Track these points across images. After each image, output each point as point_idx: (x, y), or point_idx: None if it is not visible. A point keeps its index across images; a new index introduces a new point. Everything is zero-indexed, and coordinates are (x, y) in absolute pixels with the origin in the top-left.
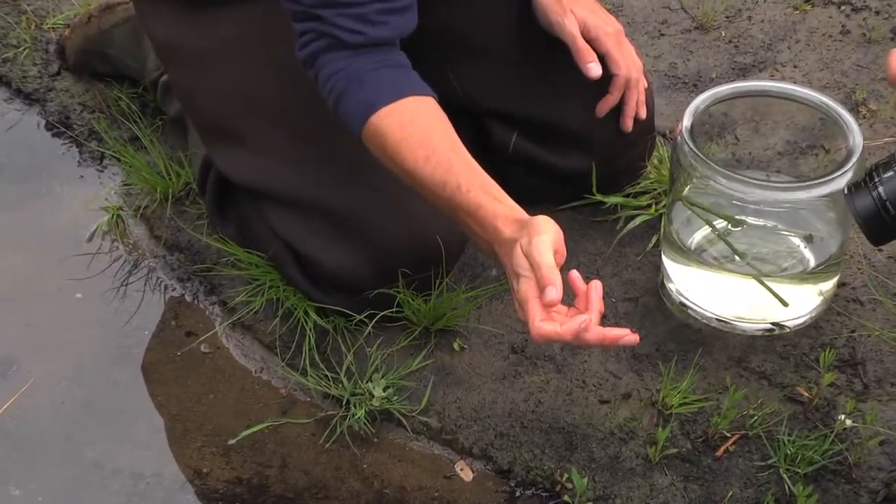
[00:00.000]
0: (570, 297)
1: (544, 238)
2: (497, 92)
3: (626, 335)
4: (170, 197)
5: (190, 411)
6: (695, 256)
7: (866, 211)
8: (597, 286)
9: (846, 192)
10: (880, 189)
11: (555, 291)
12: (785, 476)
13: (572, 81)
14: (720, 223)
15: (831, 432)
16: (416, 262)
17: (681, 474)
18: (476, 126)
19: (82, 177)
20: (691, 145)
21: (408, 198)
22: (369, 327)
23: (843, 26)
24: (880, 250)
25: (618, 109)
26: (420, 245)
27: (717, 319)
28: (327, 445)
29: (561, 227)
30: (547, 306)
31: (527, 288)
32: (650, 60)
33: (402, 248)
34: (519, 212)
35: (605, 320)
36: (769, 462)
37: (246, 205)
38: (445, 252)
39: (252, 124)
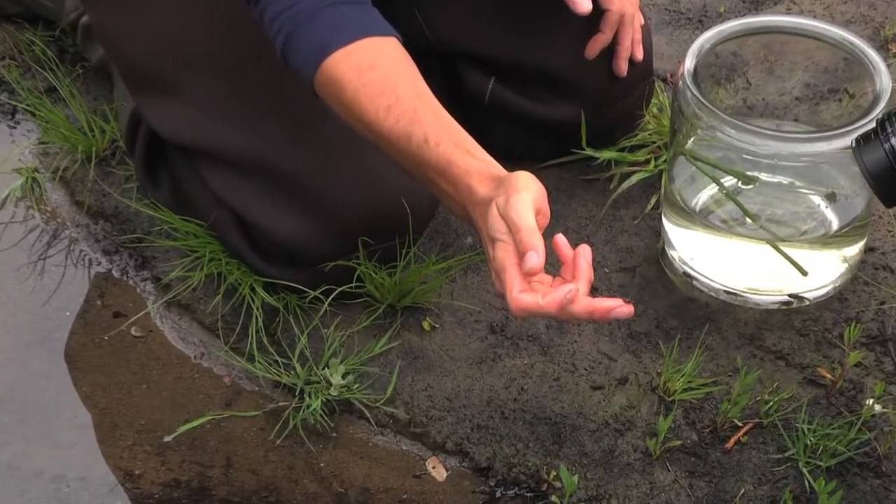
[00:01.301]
0: (555, 265)
1: (524, 196)
2: (471, 32)
3: (619, 306)
4: (93, 157)
5: (119, 404)
6: (700, 219)
7: (877, 166)
8: (585, 252)
9: (854, 145)
10: (893, 141)
11: (536, 257)
12: (804, 470)
13: (558, 18)
14: (729, 181)
15: (858, 419)
16: (378, 230)
17: (685, 470)
18: (447, 72)
19: None
20: (695, 91)
21: (368, 156)
22: (325, 305)
23: None
24: None
25: (610, 50)
26: (382, 209)
27: (726, 291)
28: (278, 441)
29: (545, 185)
30: (527, 275)
31: (504, 254)
32: None
33: (362, 214)
34: (495, 167)
35: (596, 293)
36: (786, 454)
37: (181, 165)
38: (412, 217)
39: (187, 73)
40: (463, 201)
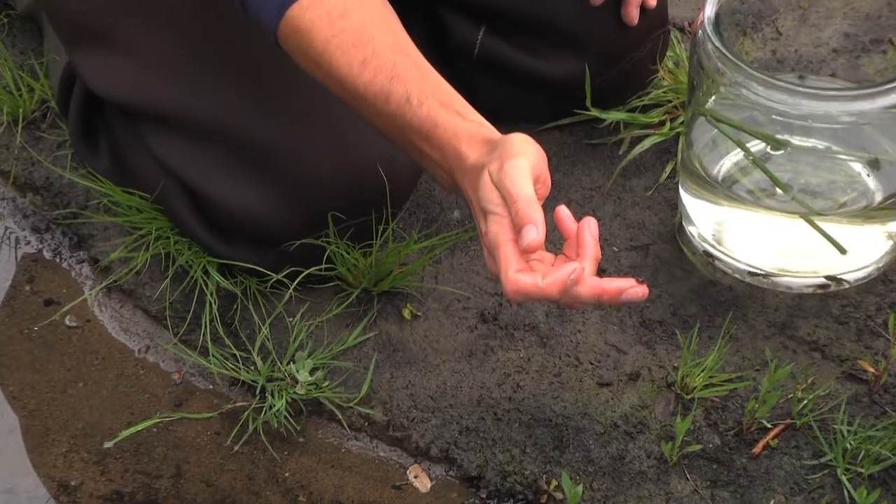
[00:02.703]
0: (557, 244)
1: (521, 162)
2: None
3: (631, 287)
4: (20, 120)
5: (52, 405)
6: (723, 190)
7: None
8: (591, 225)
9: None
10: None
11: (535, 232)
12: (844, 478)
13: None
14: (756, 145)
15: None
16: (351, 203)
17: (706, 478)
18: (430, 22)
19: None
20: (717, 42)
21: (340, 118)
22: (290, 290)
23: None
24: None
25: None
26: (356, 179)
27: (752, 273)
28: (236, 448)
29: (545, 150)
30: (525, 252)
31: (498, 229)
32: None
33: (333, 185)
34: (488, 129)
35: (604, 274)
36: (823, 460)
37: (122, 129)
38: (390, 188)
39: (130, 22)
40: (450, 169)
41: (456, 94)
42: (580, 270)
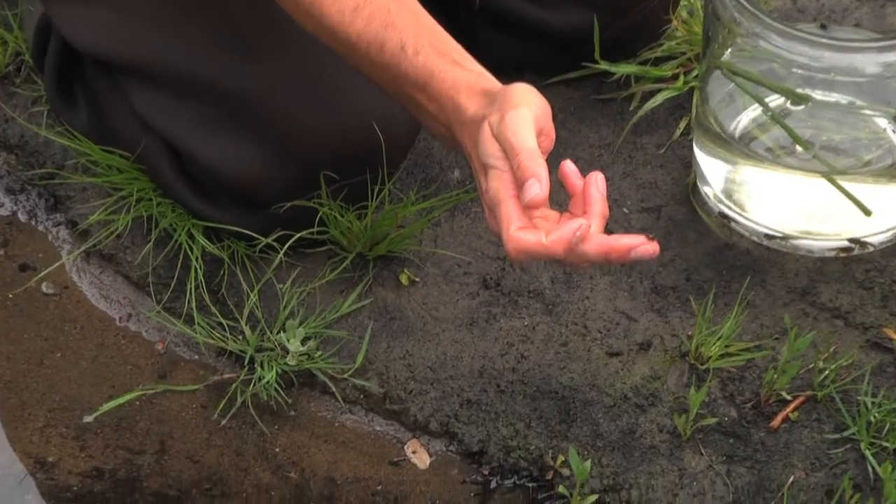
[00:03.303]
0: (562, 203)
1: (523, 113)
2: None
3: (642, 244)
4: None
5: (28, 377)
6: (740, 148)
7: None
8: (598, 180)
9: None
10: None
11: (537, 186)
12: (867, 453)
13: None
14: (775, 100)
15: None
16: (344, 162)
17: (722, 453)
18: None
19: None
20: None
21: (332, 72)
22: (280, 255)
23: None
24: None
25: None
26: (349, 137)
27: (771, 236)
28: (224, 422)
29: (550, 104)
30: (527, 208)
31: (499, 184)
32: None
33: (325, 142)
34: (488, 80)
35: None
36: (845, 434)
37: (102, 84)
38: (386, 146)
39: None
40: (448, 122)
41: (454, 42)
42: (586, 227)
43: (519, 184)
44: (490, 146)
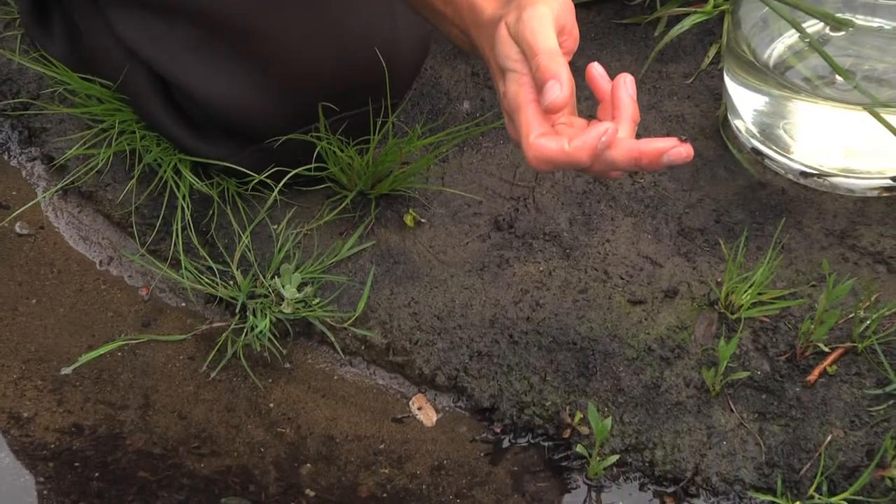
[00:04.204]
0: (587, 107)
1: (541, 10)
2: None
3: (674, 146)
4: None
5: (0, 326)
6: (775, 77)
7: None
8: (628, 82)
9: None
10: None
11: (558, 88)
12: None
13: None
14: (813, 25)
15: None
16: (344, 92)
17: (754, 410)
18: None
19: None
20: None
21: None
22: (275, 193)
23: None
24: None
25: None
26: (349, 64)
27: (808, 174)
28: (213, 374)
29: None
30: (548, 112)
31: (518, 88)
32: None
33: (323, 70)
34: None
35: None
36: (888, 389)
37: (81, 6)
38: (390, 75)
39: None
40: (465, 26)
41: None
42: (613, 131)
43: (539, 86)
44: (508, 48)
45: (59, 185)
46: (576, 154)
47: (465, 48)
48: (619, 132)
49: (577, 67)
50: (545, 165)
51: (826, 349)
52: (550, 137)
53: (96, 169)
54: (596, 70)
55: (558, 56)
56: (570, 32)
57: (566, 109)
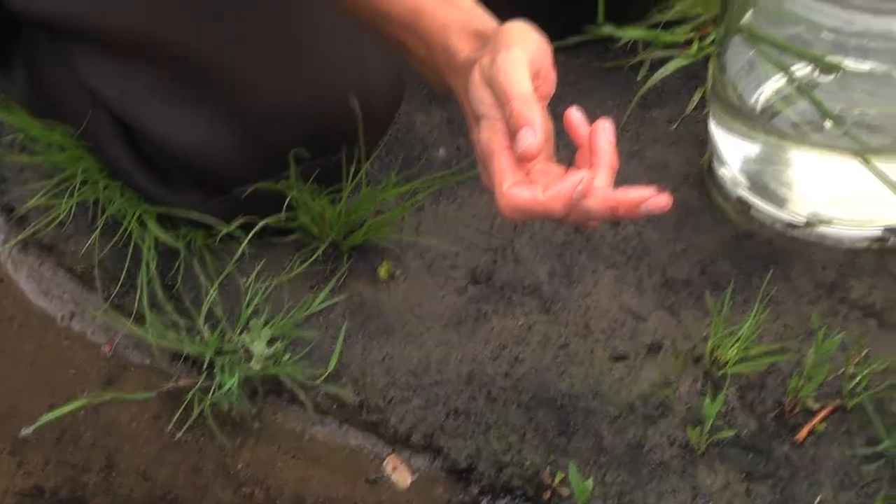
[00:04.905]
0: (566, 155)
1: (515, 54)
2: None
3: (652, 196)
4: None
5: None
6: (762, 123)
7: None
8: (606, 127)
9: None
10: None
11: (532, 135)
12: None
13: None
14: (802, 69)
15: None
16: (316, 138)
17: (741, 470)
18: None
19: None
20: None
21: (303, 36)
22: (243, 245)
23: None
24: None
25: None
26: (322, 109)
27: (796, 224)
28: (179, 434)
29: None
30: (522, 160)
31: (491, 135)
32: None
33: (294, 115)
34: (482, 18)
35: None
36: (879, 448)
37: (43, 49)
38: (364, 120)
39: None
40: (440, 68)
41: None
42: (589, 180)
43: (512, 133)
44: (481, 92)
45: (19, 238)
46: (550, 204)
47: (442, 92)
48: (596, 181)
49: (557, 113)
50: (518, 215)
51: (815, 406)
52: (524, 186)
53: (58, 220)
54: (574, 115)
55: (532, 101)
56: (546, 76)
57: (542, 156)
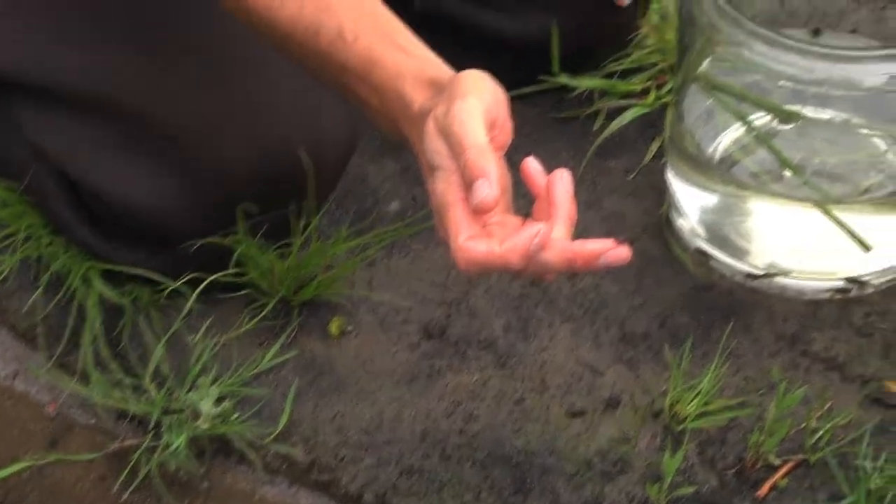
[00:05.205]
0: (525, 205)
1: (470, 103)
2: None
3: (610, 248)
4: None
5: None
6: (720, 173)
7: None
8: (564, 177)
9: None
10: None
11: (487, 186)
12: None
13: None
14: (761, 118)
15: None
16: (264, 193)
17: None
18: None
19: None
20: None
21: (251, 85)
22: (191, 301)
23: None
24: None
25: None
26: (270, 163)
27: (756, 275)
28: (126, 496)
29: None
30: (477, 213)
31: (446, 186)
32: None
33: (242, 170)
34: (437, 67)
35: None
36: (843, 503)
37: None
38: (316, 172)
39: None
40: (394, 118)
41: (400, 25)
42: (546, 232)
43: (467, 184)
44: (435, 142)
45: None
46: (507, 257)
47: (397, 142)
48: (554, 232)
49: (514, 163)
50: (475, 269)
51: (777, 462)
52: (480, 239)
53: (1, 277)
54: (531, 166)
55: (488, 152)
56: (503, 126)
57: (499, 208)
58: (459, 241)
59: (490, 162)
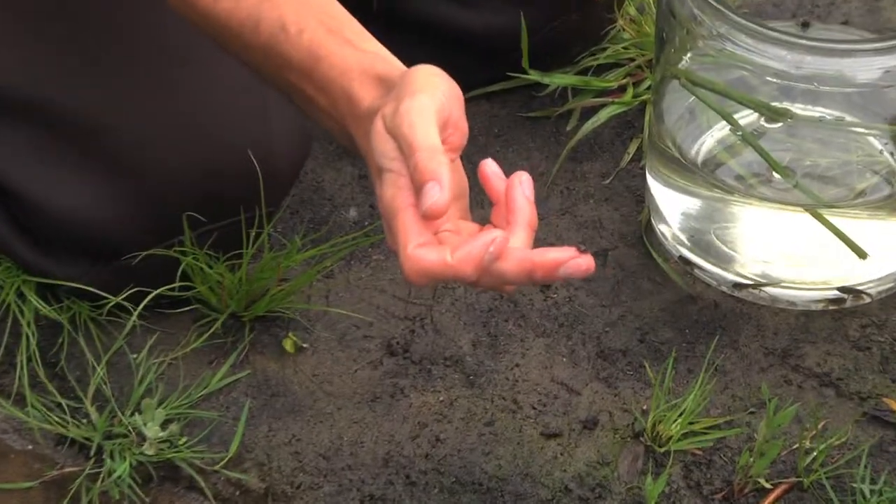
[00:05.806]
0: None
1: (421, 101)
2: None
3: (572, 258)
4: None
5: None
6: (704, 176)
7: None
8: (524, 181)
9: None
10: None
11: (438, 191)
12: None
13: None
14: (747, 117)
15: None
16: (212, 200)
17: None
18: None
19: None
20: None
21: (196, 92)
22: (134, 317)
23: None
24: None
25: None
26: (219, 169)
27: (743, 285)
28: None
29: (469, 123)
30: (427, 218)
31: (394, 191)
32: None
33: (188, 176)
34: (386, 62)
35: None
36: None
37: None
38: (265, 180)
39: None
40: (342, 118)
41: (348, 17)
42: (502, 240)
43: (417, 188)
44: (384, 144)
45: None
46: (459, 267)
47: (347, 145)
48: (512, 241)
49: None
50: (425, 280)
51: (768, 485)
52: (430, 248)
53: None
54: (489, 168)
55: (439, 154)
56: (457, 126)
57: (454, 214)
58: (408, 249)
59: (441, 164)
